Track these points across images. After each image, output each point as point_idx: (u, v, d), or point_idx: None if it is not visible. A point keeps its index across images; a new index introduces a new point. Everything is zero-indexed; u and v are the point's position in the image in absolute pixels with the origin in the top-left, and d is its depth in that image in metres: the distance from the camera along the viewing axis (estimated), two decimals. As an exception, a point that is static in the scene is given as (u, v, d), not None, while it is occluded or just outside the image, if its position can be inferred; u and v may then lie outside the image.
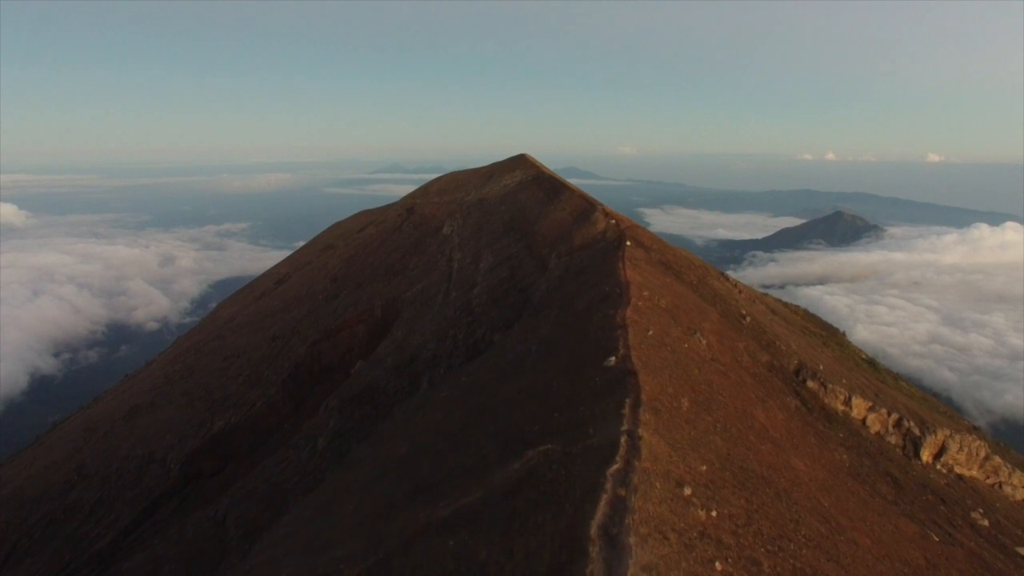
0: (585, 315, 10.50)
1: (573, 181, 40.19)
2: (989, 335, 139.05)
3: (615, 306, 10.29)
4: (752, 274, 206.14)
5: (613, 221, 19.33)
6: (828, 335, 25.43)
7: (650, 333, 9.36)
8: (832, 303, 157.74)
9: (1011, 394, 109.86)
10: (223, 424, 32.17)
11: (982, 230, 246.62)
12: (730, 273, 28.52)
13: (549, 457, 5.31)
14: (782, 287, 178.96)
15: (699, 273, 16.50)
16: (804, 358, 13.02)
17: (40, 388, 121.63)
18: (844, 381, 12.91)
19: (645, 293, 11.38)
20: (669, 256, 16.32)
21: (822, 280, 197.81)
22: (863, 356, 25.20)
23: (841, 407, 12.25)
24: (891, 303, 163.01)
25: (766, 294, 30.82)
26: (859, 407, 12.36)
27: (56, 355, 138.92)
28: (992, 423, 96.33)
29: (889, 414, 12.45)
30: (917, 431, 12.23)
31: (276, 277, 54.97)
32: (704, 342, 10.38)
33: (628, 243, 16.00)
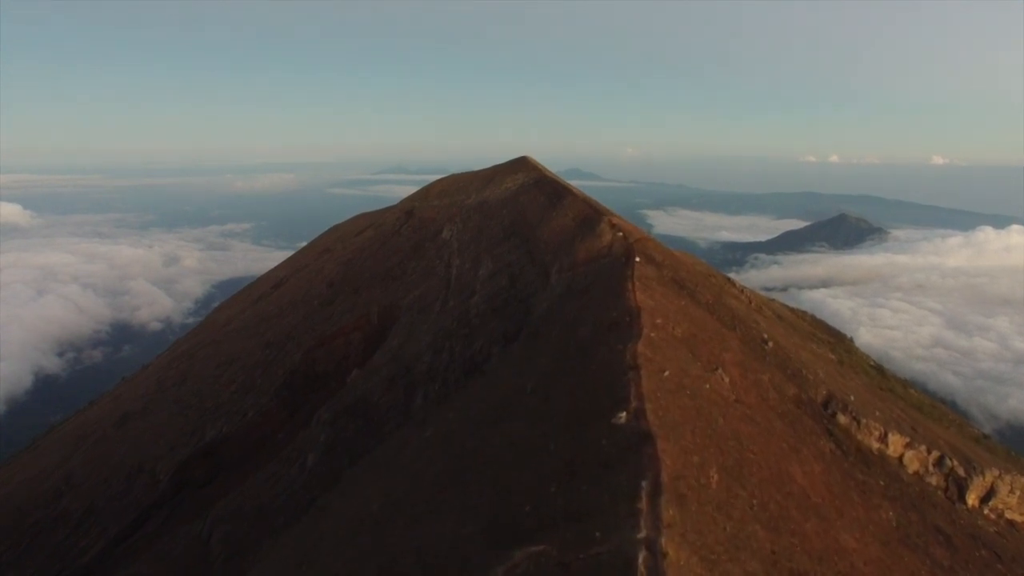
0: (590, 347, 9.23)
1: (576, 183, 39.10)
2: (993, 339, 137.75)
3: (624, 338, 8.99)
4: (755, 276, 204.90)
5: (621, 234, 17.77)
6: (836, 341, 24.50)
7: (666, 374, 8.07)
8: (835, 306, 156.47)
9: (1015, 398, 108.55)
10: (215, 433, 31.21)
11: (986, 233, 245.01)
12: (732, 275, 27.41)
13: (541, 567, 4.08)
14: (784, 290, 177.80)
15: (715, 291, 15.13)
16: (833, 388, 11.75)
17: (44, 387, 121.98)
18: (877, 414, 11.65)
19: (658, 321, 10.06)
20: (682, 273, 14.90)
21: (825, 283, 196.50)
22: (870, 362, 24.34)
23: (876, 444, 11.00)
24: (895, 306, 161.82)
25: (772, 300, 29.76)
26: (896, 444, 11.11)
27: (60, 355, 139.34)
28: (997, 429, 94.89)
29: (929, 451, 11.20)
30: (962, 471, 10.97)
31: (273, 280, 53.94)
32: (727, 379, 9.13)
33: (638, 259, 14.61)
